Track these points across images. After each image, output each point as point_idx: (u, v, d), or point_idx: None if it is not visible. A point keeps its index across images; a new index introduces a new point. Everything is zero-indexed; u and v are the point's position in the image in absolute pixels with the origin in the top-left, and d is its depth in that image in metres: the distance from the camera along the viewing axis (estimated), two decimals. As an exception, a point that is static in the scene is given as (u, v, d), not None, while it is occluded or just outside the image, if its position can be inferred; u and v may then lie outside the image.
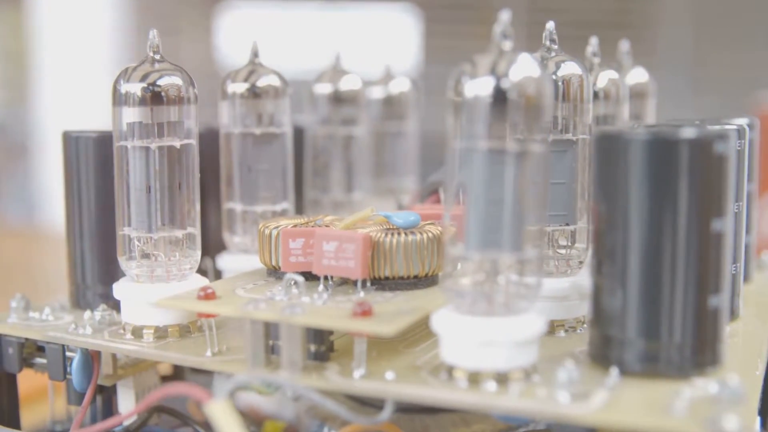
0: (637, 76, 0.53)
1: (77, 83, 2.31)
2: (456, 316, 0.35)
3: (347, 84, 0.55)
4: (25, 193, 2.36)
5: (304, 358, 0.37)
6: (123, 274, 0.47)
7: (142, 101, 0.41)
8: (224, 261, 0.49)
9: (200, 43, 2.71)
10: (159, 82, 0.41)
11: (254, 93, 0.48)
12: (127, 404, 0.45)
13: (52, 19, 2.32)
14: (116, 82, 0.42)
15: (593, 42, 0.48)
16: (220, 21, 2.74)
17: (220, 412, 0.33)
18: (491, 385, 0.35)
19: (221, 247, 0.50)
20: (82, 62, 2.34)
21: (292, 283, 0.39)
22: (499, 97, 0.34)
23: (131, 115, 0.41)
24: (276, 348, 0.38)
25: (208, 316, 0.39)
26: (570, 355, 0.39)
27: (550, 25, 0.42)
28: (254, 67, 0.48)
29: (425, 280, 0.41)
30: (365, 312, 0.36)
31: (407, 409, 0.46)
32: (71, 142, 0.47)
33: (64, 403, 0.47)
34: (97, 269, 0.47)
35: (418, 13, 2.85)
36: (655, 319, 0.35)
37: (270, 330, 0.38)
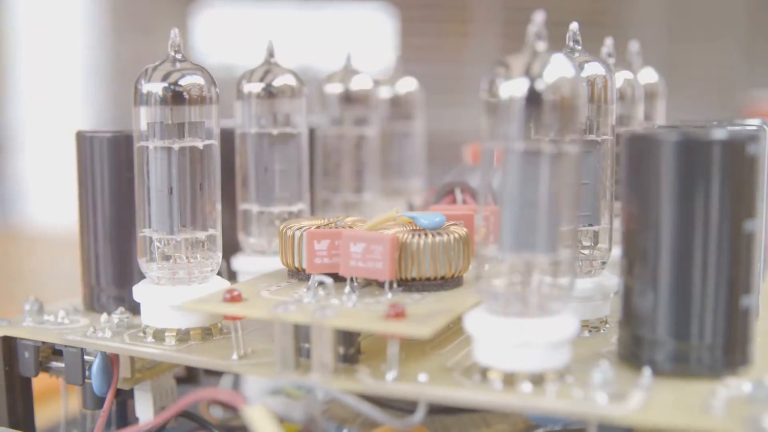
0: (647, 76, 0.54)
1: (52, 82, 2.28)
2: (490, 317, 0.35)
3: (358, 84, 0.55)
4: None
5: (335, 361, 0.37)
6: (138, 276, 0.46)
7: (164, 101, 0.41)
8: (239, 262, 0.49)
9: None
10: (181, 82, 0.41)
11: (270, 93, 0.47)
12: (145, 408, 0.45)
13: (27, 17, 2.29)
14: (137, 82, 0.41)
15: (608, 43, 0.48)
16: (195, 20, 2.72)
17: (258, 416, 0.33)
18: (527, 386, 0.35)
19: (233, 248, 0.50)
20: (57, 61, 2.31)
21: (320, 284, 0.39)
22: (534, 98, 0.34)
23: (152, 115, 0.41)
24: (304, 350, 0.38)
25: (235, 318, 0.39)
26: (598, 355, 0.39)
27: (574, 25, 0.42)
28: (270, 66, 0.48)
29: (452, 281, 0.41)
30: (398, 314, 0.36)
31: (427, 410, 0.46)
32: (85, 142, 0.46)
33: (70, 406, 0.47)
34: (111, 271, 0.46)
35: (394, 12, 2.85)
36: (686, 319, 0.35)
37: (299, 332, 0.37)
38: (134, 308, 0.44)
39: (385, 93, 0.60)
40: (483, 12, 2.78)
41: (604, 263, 0.43)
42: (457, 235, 0.40)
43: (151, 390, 0.45)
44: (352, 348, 0.38)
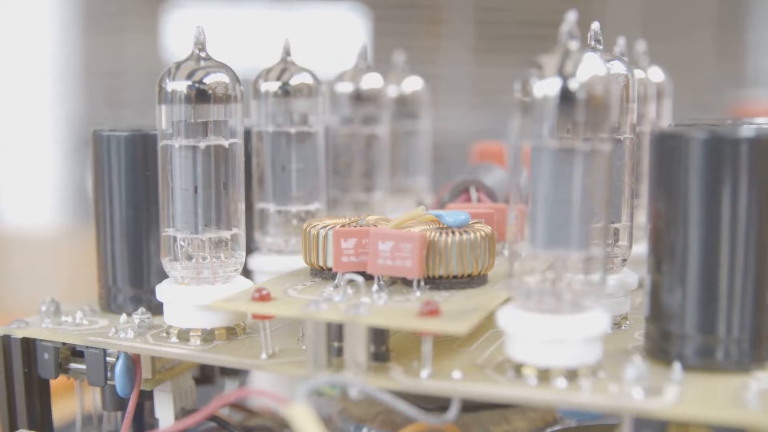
0: (654, 75, 0.54)
1: (22, 82, 2.26)
2: (524, 314, 0.36)
3: (368, 83, 0.55)
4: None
5: (368, 359, 0.37)
6: (155, 276, 0.46)
7: (189, 99, 0.40)
8: (256, 261, 0.49)
9: (146, 42, 2.68)
10: (206, 80, 0.41)
11: (286, 91, 0.47)
12: (165, 409, 0.44)
13: (-4, 16, 2.26)
14: (161, 81, 0.41)
15: (620, 42, 0.49)
16: (166, 19, 2.70)
17: (301, 415, 0.33)
18: (561, 382, 0.35)
19: (248, 247, 0.50)
20: (26, 60, 2.28)
21: (350, 283, 0.39)
22: (568, 96, 0.35)
23: (177, 113, 0.41)
24: (334, 349, 0.38)
25: (265, 317, 0.39)
26: (624, 350, 0.40)
27: (596, 25, 0.43)
28: (286, 65, 0.48)
29: (478, 279, 0.41)
30: (432, 311, 0.36)
31: (447, 408, 0.46)
32: (102, 141, 0.46)
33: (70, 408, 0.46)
34: (127, 271, 0.46)
35: (366, 12, 2.85)
36: (714, 314, 0.36)
37: (330, 331, 0.37)
38: (152, 308, 0.44)
39: (391, 92, 0.60)
40: (456, 12, 2.79)
41: (624, 260, 0.44)
42: (483, 233, 0.41)
43: (171, 391, 0.44)
44: (383, 346, 0.38)
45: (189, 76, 0.41)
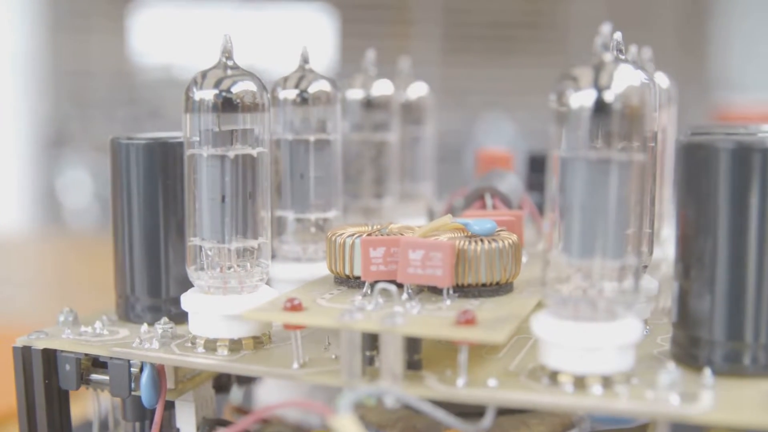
0: (661, 82, 0.55)
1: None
2: (560, 322, 0.36)
3: (378, 90, 0.55)
4: None
5: (403, 368, 0.37)
6: (174, 286, 0.46)
7: (216, 108, 0.40)
8: (273, 269, 0.48)
9: (113, 42, 2.65)
10: (233, 89, 0.40)
11: (305, 99, 0.47)
12: (187, 419, 0.44)
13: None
14: (188, 90, 0.41)
15: (633, 51, 0.49)
16: (132, 20, 2.68)
17: (347, 426, 0.33)
18: (598, 389, 0.35)
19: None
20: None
21: (382, 292, 0.39)
22: (604, 107, 0.35)
23: (205, 122, 0.40)
24: (366, 358, 0.38)
25: (297, 327, 0.39)
26: (650, 356, 0.40)
27: (618, 35, 0.43)
28: (304, 72, 0.48)
29: (505, 287, 0.41)
30: (469, 320, 0.36)
31: (465, 414, 0.46)
32: (120, 149, 0.45)
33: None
34: (145, 281, 0.46)
35: (334, 12, 2.85)
36: (742, 321, 0.37)
37: (364, 340, 0.37)
38: (171, 318, 0.44)
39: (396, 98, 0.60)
40: (423, 14, 2.80)
41: (645, 267, 0.44)
42: (510, 241, 0.41)
43: (194, 400, 0.44)
44: (416, 355, 0.38)
45: (216, 85, 0.40)
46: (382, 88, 0.55)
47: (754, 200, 0.36)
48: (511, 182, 0.52)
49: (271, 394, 0.57)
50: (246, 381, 0.52)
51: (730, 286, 0.37)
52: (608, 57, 0.36)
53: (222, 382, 0.50)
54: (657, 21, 2.80)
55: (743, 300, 0.37)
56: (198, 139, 0.41)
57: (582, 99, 0.35)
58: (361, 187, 0.55)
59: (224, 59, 0.41)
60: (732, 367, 0.37)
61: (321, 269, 0.47)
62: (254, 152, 0.41)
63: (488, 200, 0.50)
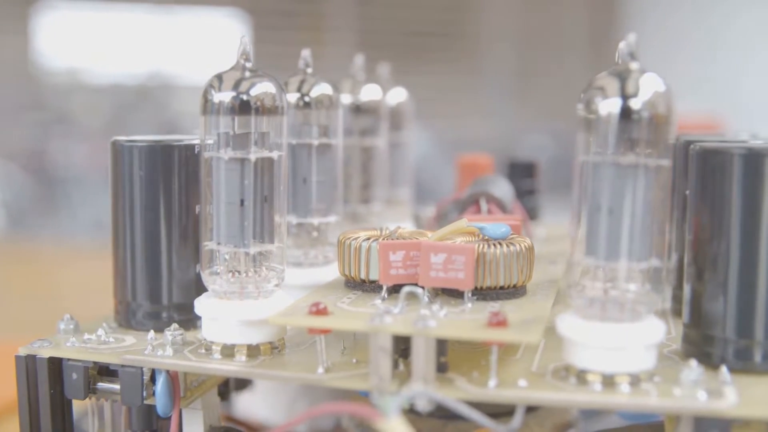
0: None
1: None
2: (588, 322, 0.37)
3: (367, 95, 0.55)
4: None
5: (434, 370, 0.37)
6: (177, 291, 0.45)
7: (234, 111, 0.40)
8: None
9: (16, 44, 2.57)
10: (252, 92, 0.40)
11: (307, 103, 0.47)
12: (195, 426, 0.43)
13: None
14: (206, 92, 0.40)
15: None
16: (37, 21, 2.60)
17: (398, 429, 0.33)
18: (626, 387, 0.36)
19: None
20: None
21: (409, 295, 0.39)
22: (631, 115, 0.36)
23: (224, 125, 0.40)
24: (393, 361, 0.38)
25: (323, 332, 0.38)
26: (661, 355, 0.41)
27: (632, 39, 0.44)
28: (305, 76, 0.48)
29: (521, 289, 0.42)
30: (500, 322, 0.37)
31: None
32: (121, 151, 0.44)
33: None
34: (146, 287, 0.44)
35: (246, 18, 2.83)
36: (753, 319, 0.39)
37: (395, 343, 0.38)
38: (177, 324, 0.43)
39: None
40: (338, 20, 2.80)
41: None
42: (525, 245, 0.42)
43: (201, 408, 0.43)
44: (443, 357, 0.38)
45: (235, 87, 0.40)
46: (370, 93, 0.55)
47: (764, 203, 0.38)
48: (504, 187, 0.53)
49: (254, 402, 0.56)
50: (242, 388, 0.51)
51: (742, 287, 0.39)
52: (634, 65, 0.37)
53: (220, 390, 0.49)
54: (567, 31, 2.88)
55: (754, 301, 0.38)
56: (214, 142, 0.40)
57: (610, 106, 0.36)
58: (349, 192, 0.54)
59: (242, 61, 0.40)
60: (743, 364, 0.39)
61: (323, 274, 0.47)
62: (274, 155, 0.40)
63: (483, 205, 0.50)
